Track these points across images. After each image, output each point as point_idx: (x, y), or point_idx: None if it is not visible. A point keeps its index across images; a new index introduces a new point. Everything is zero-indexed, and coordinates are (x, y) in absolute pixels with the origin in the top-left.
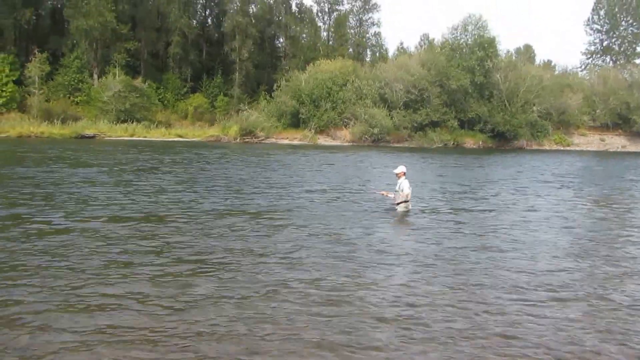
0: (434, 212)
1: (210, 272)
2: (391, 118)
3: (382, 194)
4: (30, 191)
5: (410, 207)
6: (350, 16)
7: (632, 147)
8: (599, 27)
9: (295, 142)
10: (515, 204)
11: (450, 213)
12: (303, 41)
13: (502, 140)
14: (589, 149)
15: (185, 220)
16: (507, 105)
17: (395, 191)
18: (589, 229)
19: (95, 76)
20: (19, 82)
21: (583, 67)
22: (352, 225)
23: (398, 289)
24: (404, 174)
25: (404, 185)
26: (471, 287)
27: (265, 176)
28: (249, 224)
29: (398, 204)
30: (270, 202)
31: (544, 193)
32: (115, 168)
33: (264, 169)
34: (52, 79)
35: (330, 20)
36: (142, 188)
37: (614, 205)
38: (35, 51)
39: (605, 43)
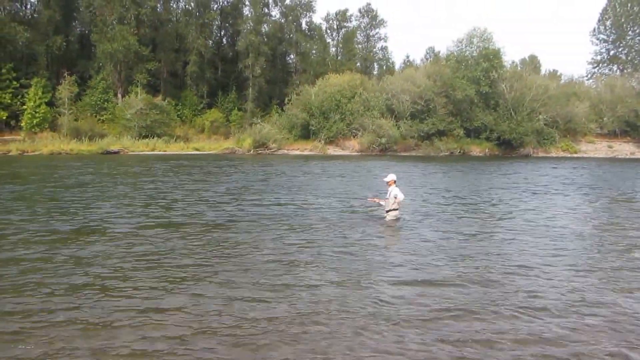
0: (425, 218)
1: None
2: (398, 128)
3: (374, 201)
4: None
5: (399, 215)
6: (358, 32)
7: None
8: (605, 37)
9: (306, 152)
10: (513, 210)
11: (444, 220)
12: (313, 57)
13: (508, 148)
14: (596, 155)
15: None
16: (512, 113)
17: (386, 199)
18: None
19: (119, 95)
20: (50, 104)
21: (589, 76)
22: (340, 233)
23: (376, 300)
24: (395, 182)
25: (395, 193)
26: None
27: (269, 185)
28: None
29: (387, 211)
30: (262, 210)
31: (540, 199)
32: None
33: (270, 179)
34: (80, 100)
35: (338, 36)
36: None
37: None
38: (65, 74)
39: (612, 52)
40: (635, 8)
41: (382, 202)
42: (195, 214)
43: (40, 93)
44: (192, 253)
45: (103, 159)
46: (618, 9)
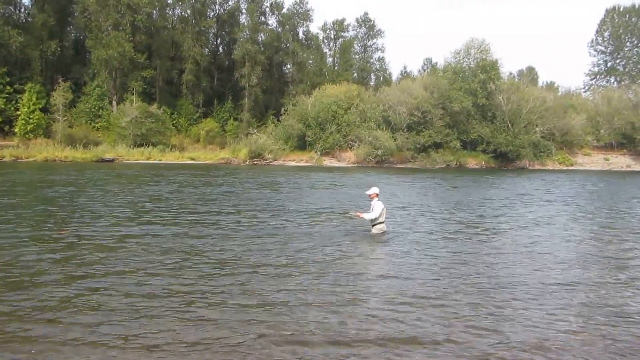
0: (413, 231)
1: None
2: (395, 140)
3: (357, 215)
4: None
5: (385, 228)
6: (355, 42)
7: (637, 167)
8: (603, 48)
9: (302, 163)
10: (503, 225)
11: (432, 233)
12: (309, 67)
13: (504, 161)
14: (592, 168)
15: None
16: (509, 126)
17: (369, 212)
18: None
19: (114, 103)
20: (44, 110)
21: (586, 88)
22: (321, 247)
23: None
24: (377, 195)
25: (376, 207)
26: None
27: (258, 197)
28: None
29: (373, 225)
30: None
31: (531, 214)
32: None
33: (262, 191)
34: (75, 106)
35: (335, 46)
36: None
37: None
38: (60, 80)
39: (609, 64)
40: (633, 19)
41: (365, 216)
42: (174, 225)
43: (34, 99)
44: (161, 269)
45: (99, 167)
46: (616, 21)
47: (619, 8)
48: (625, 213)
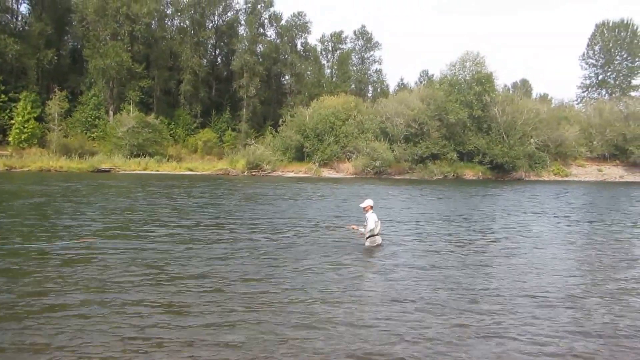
0: (408, 244)
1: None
2: (392, 151)
3: (353, 228)
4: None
5: (380, 241)
6: (353, 54)
7: (629, 177)
8: (594, 61)
9: (300, 174)
10: (498, 237)
11: (426, 245)
12: (307, 78)
13: (500, 172)
14: (587, 179)
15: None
16: (505, 137)
17: (364, 225)
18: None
19: (111, 113)
20: (39, 119)
21: (579, 100)
22: (316, 260)
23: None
24: (372, 207)
25: (370, 220)
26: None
27: (255, 209)
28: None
29: (367, 238)
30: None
31: (527, 224)
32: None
33: (258, 202)
34: (71, 116)
35: (333, 58)
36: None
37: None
38: (56, 89)
39: (600, 77)
40: (622, 33)
41: (360, 229)
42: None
43: (29, 108)
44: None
45: (95, 177)
46: (606, 35)
47: (608, 23)
48: (622, 224)
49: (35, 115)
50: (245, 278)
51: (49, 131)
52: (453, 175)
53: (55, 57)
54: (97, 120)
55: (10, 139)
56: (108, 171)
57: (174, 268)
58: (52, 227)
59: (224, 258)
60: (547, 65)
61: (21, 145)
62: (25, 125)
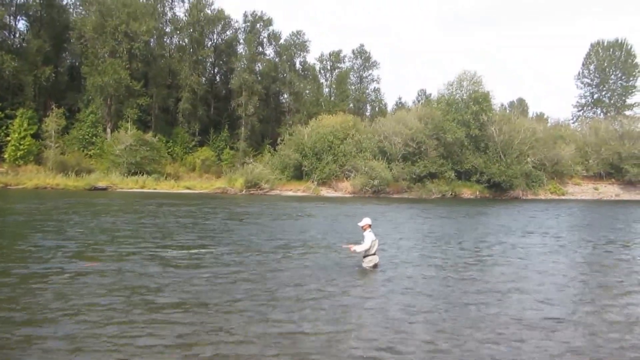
0: (404, 264)
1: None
2: (390, 170)
3: (349, 248)
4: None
5: (376, 260)
6: (351, 73)
7: (625, 196)
8: (589, 80)
9: (299, 193)
10: (495, 257)
11: (424, 265)
12: (306, 97)
13: (498, 191)
14: (583, 197)
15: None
16: (502, 156)
17: (361, 244)
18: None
19: (109, 130)
20: (36, 136)
21: (574, 119)
22: (313, 280)
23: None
24: (370, 226)
25: (366, 239)
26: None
27: (252, 228)
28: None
29: (364, 257)
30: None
31: (524, 246)
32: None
33: (255, 221)
34: (68, 133)
35: (332, 77)
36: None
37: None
38: (53, 106)
39: (595, 96)
40: (617, 53)
41: (357, 248)
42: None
43: (25, 125)
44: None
45: (90, 195)
46: (601, 54)
47: (603, 42)
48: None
49: (31, 132)
50: (234, 300)
51: (46, 148)
52: (451, 194)
53: (53, 74)
54: (94, 137)
55: (6, 155)
56: (105, 189)
57: (149, 293)
58: (19, 250)
59: (233, 276)
60: (543, 85)
61: (17, 162)
62: (22, 142)
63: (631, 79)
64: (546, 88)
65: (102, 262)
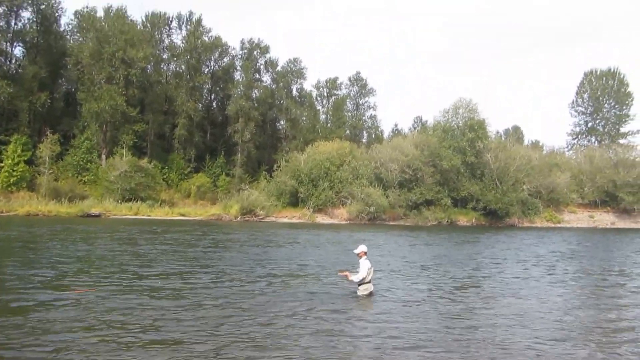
0: (400, 291)
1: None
2: (387, 197)
3: (344, 275)
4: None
5: (372, 288)
6: (348, 100)
7: (620, 224)
8: (583, 109)
9: (294, 220)
10: (491, 288)
11: (419, 294)
12: (303, 123)
13: (494, 218)
14: (579, 225)
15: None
16: (498, 183)
17: (356, 272)
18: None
19: (103, 156)
20: (30, 162)
21: (569, 147)
22: (307, 309)
23: None
24: (365, 253)
25: (362, 267)
26: None
27: (246, 255)
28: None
29: (359, 285)
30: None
31: (520, 276)
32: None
33: (249, 248)
34: (62, 159)
35: (328, 104)
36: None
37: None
38: (48, 132)
39: (589, 124)
40: (610, 82)
41: (353, 277)
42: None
43: (19, 151)
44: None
45: (82, 222)
46: (594, 83)
47: (596, 71)
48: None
49: (25, 159)
50: (221, 335)
51: (39, 174)
52: (447, 222)
53: (49, 100)
54: (89, 163)
55: None
56: (98, 216)
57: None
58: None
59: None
60: (538, 112)
61: (9, 188)
62: (15, 169)
63: (624, 107)
64: (541, 115)
65: (92, 289)
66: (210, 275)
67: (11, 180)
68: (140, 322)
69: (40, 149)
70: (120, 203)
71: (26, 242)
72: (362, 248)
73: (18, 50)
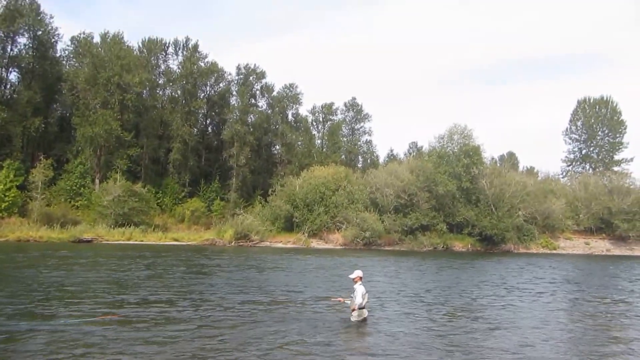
0: (394, 317)
1: None
2: (382, 222)
3: (339, 301)
4: None
5: (366, 314)
6: (343, 125)
7: (616, 251)
8: (577, 136)
9: (289, 245)
10: (485, 313)
11: (414, 320)
12: (298, 148)
13: (490, 244)
14: (574, 252)
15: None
16: (493, 209)
17: (351, 297)
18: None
19: (97, 181)
20: (22, 187)
21: (564, 173)
22: (300, 334)
23: None
24: (361, 278)
25: (357, 292)
26: None
27: (236, 281)
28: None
29: (353, 310)
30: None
31: (515, 301)
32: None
33: (239, 274)
34: (55, 184)
35: (324, 129)
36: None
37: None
38: (41, 157)
39: (584, 151)
40: (603, 110)
41: (347, 301)
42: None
43: (11, 176)
44: None
45: (72, 247)
46: (587, 111)
47: (589, 99)
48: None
49: (17, 184)
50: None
51: (31, 200)
52: (443, 247)
53: (43, 125)
54: (82, 188)
55: None
56: (90, 241)
57: None
58: None
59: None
60: (533, 138)
61: (0, 214)
62: (7, 194)
63: (618, 135)
64: (536, 142)
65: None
66: (188, 302)
67: (2, 205)
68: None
69: (33, 174)
70: (113, 228)
71: (7, 269)
72: (357, 273)
73: (13, 76)
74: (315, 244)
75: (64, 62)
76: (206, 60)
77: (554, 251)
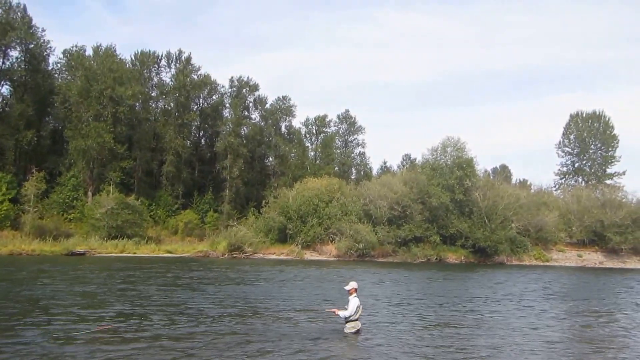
0: (387, 329)
1: None
2: (376, 233)
3: (333, 312)
4: None
5: (359, 326)
6: (337, 137)
7: (609, 264)
8: (569, 150)
9: (283, 257)
10: (480, 326)
11: (407, 332)
12: (291, 160)
13: (483, 256)
14: (567, 264)
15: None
16: (486, 221)
17: (345, 308)
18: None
19: (90, 194)
20: (14, 200)
21: (557, 186)
22: (293, 346)
23: None
24: (355, 290)
25: (351, 304)
26: None
27: (230, 293)
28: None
29: (346, 322)
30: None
31: (507, 314)
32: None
33: (233, 286)
34: (47, 197)
35: (317, 140)
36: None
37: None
38: (33, 170)
39: (576, 165)
40: (595, 124)
41: (340, 313)
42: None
43: (4, 189)
44: None
45: (65, 260)
46: (580, 125)
47: (581, 113)
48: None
49: (10, 197)
50: None
51: (24, 213)
52: (436, 259)
53: (35, 138)
54: (75, 201)
55: None
56: (83, 254)
57: None
58: None
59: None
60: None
61: None
62: None
63: (610, 149)
64: (529, 155)
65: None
66: (176, 315)
67: None
68: None
69: (25, 187)
70: (106, 241)
71: None
72: (352, 285)
73: (5, 89)
74: (309, 255)
75: (57, 75)
76: (199, 72)
77: (547, 263)
